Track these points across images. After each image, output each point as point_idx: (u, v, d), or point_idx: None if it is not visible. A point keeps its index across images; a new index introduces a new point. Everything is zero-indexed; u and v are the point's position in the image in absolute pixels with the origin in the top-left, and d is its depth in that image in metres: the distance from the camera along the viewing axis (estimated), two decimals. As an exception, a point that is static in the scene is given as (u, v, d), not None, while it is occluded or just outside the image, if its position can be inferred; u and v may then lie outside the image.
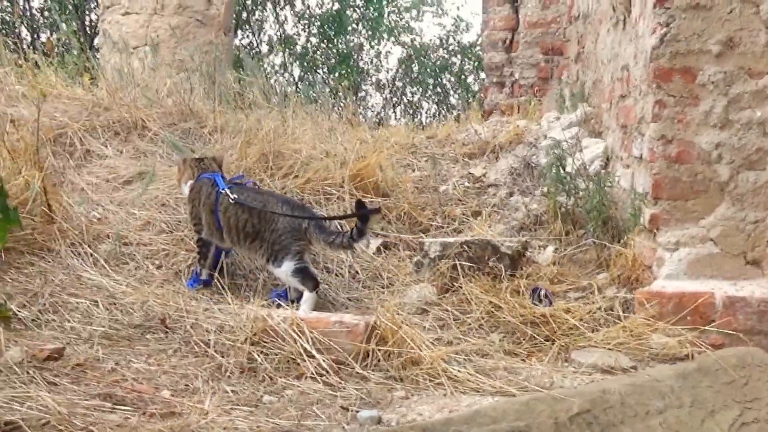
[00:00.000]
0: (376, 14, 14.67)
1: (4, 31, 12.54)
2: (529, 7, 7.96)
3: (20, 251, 4.36)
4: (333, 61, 14.55)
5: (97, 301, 3.88)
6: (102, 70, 7.77)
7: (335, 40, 14.70)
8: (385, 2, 14.93)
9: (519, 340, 3.77)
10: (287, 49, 14.27)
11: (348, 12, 14.68)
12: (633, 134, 4.47)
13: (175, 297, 4.01)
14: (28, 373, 3.00)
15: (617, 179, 4.85)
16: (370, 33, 14.90)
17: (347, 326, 3.36)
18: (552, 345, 3.68)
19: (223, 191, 4.31)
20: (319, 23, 14.76)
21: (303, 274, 4.11)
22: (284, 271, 4.12)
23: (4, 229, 3.02)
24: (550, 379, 3.30)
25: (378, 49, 15.10)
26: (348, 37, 14.79)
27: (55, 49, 9.45)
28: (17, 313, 3.62)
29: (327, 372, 3.20)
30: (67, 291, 3.99)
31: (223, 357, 3.31)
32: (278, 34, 14.65)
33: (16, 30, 12.92)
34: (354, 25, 14.83)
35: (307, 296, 4.07)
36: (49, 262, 4.36)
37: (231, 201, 4.25)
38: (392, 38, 15.06)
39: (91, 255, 4.48)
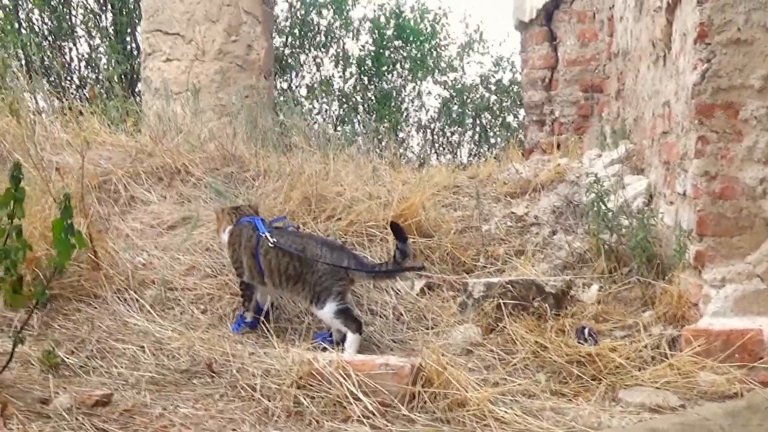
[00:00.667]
0: (417, 54, 14.73)
1: (49, 81, 12.73)
2: (567, 45, 7.98)
3: (67, 298, 4.41)
4: (373, 101, 14.61)
5: (143, 347, 3.91)
6: (145, 116, 7.87)
7: (374, 81, 14.76)
8: (426, 43, 14.99)
9: (565, 380, 3.75)
10: (327, 91, 14.35)
11: (387, 52, 14.74)
12: (676, 171, 4.45)
13: (221, 341, 4.03)
14: (77, 419, 3.02)
15: (661, 216, 4.82)
16: (410, 73, 14.94)
17: (393, 368, 3.35)
18: (599, 384, 3.65)
19: (263, 235, 4.34)
20: (356, 64, 14.85)
21: (345, 315, 4.12)
22: (327, 312, 4.13)
23: (68, 251, 3.06)
24: (597, 419, 3.28)
25: (419, 89, 15.15)
26: (388, 77, 14.85)
27: (98, 97, 9.60)
28: (65, 359, 3.65)
29: (373, 415, 3.19)
30: (113, 337, 4.02)
31: (269, 401, 3.32)
32: (317, 76, 14.75)
33: (62, 78, 13.11)
34: (393, 66, 14.88)
35: (351, 338, 4.07)
36: (96, 308, 4.40)
37: (270, 245, 4.28)
38: (433, 78, 15.10)
39: (137, 300, 4.52)
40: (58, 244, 3.04)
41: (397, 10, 15.01)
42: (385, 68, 14.89)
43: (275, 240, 4.29)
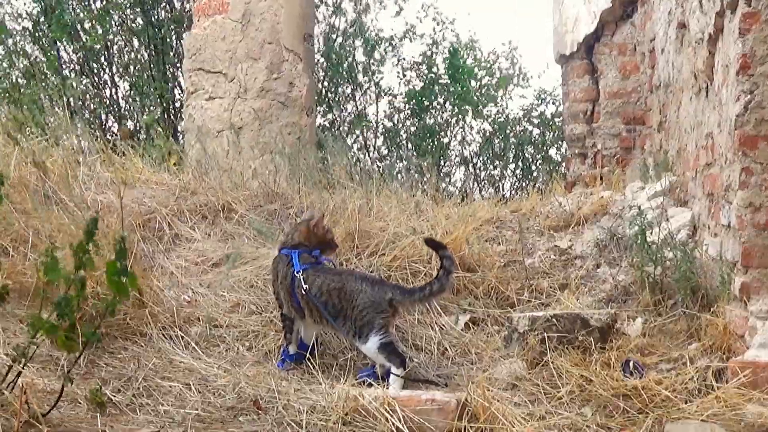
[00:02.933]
0: (461, 89, 14.77)
1: (90, 120, 12.92)
2: (609, 78, 7.97)
3: (114, 336, 4.45)
4: (415, 137, 14.65)
5: (189, 384, 3.93)
6: (187, 154, 7.95)
7: (421, 116, 14.82)
8: (470, 79, 15.03)
9: (611, 414, 3.72)
10: (367, 126, 14.43)
11: (434, 87, 14.81)
12: (720, 202, 4.43)
13: (267, 378, 4.04)
14: (125, 456, 3.06)
15: (705, 248, 4.80)
16: (455, 109, 14.98)
17: (438, 404, 3.35)
18: (645, 418, 3.62)
19: (297, 274, 4.37)
20: (403, 101, 14.94)
21: (389, 350, 4.13)
22: (371, 347, 4.14)
23: (123, 292, 3.10)
24: (644, 454, 3.26)
25: (463, 125, 15.20)
26: (432, 112, 14.91)
27: (135, 136, 9.71)
28: (112, 397, 3.67)
29: (419, 450, 3.19)
30: (159, 375, 4.04)
31: (315, 437, 3.33)
32: (359, 112, 14.83)
33: (103, 118, 13.32)
34: (439, 101, 14.94)
35: (395, 372, 4.07)
36: (142, 346, 4.44)
37: (303, 291, 4.31)
38: (475, 112, 15.13)
39: (183, 338, 4.55)
40: (112, 285, 3.08)
41: (452, 49, 15.09)
42: (429, 104, 14.96)
43: (306, 287, 4.30)
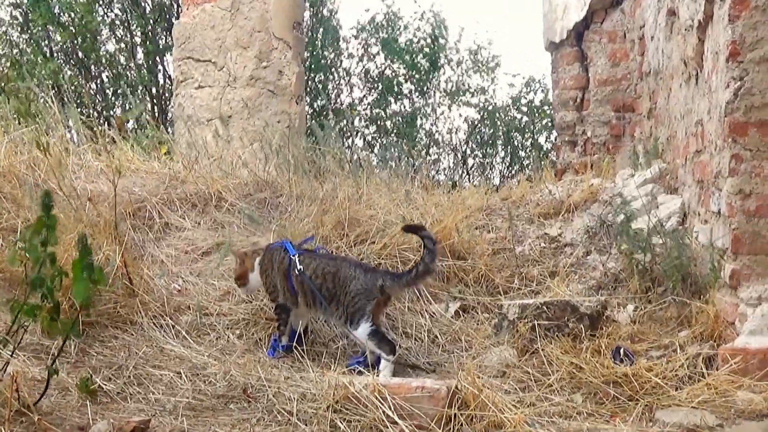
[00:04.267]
0: (445, 76, 14.83)
1: (81, 109, 12.89)
2: (599, 65, 7.96)
3: (104, 325, 4.45)
4: (403, 124, 14.64)
5: (180, 373, 3.93)
6: (177, 143, 7.93)
7: (405, 104, 14.84)
8: (454, 66, 15.08)
9: (602, 401, 3.73)
10: (355, 115, 14.42)
11: (419, 76, 14.82)
12: (710, 189, 4.44)
13: (257, 366, 4.04)
14: (116, 445, 3.05)
15: (695, 235, 4.80)
16: (441, 97, 15.02)
17: (429, 391, 3.35)
18: (635, 405, 3.63)
19: (293, 257, 4.39)
20: (386, 88, 14.92)
21: (378, 336, 4.15)
22: (361, 333, 4.16)
23: (87, 287, 3.08)
24: (635, 440, 3.26)
25: (447, 111, 15.21)
26: (416, 99, 14.93)
27: (127, 124, 9.69)
28: (103, 386, 3.67)
29: (410, 438, 3.19)
30: (150, 363, 4.04)
31: (306, 425, 3.32)
32: (347, 100, 14.84)
33: (93, 107, 13.26)
34: (424, 89, 14.96)
35: (385, 360, 4.09)
36: (132, 334, 4.44)
37: (297, 272, 4.34)
38: (462, 100, 15.15)
39: (173, 326, 4.55)
40: (77, 282, 3.06)
41: (432, 36, 15.07)
42: (413, 91, 14.95)
43: (301, 268, 4.34)
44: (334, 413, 3.34)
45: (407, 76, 14.92)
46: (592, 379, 3.87)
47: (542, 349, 4.23)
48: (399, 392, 3.36)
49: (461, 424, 3.30)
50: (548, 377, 3.97)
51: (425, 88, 15.16)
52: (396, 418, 3.25)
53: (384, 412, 3.27)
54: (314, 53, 14.24)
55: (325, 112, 14.39)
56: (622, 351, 4.13)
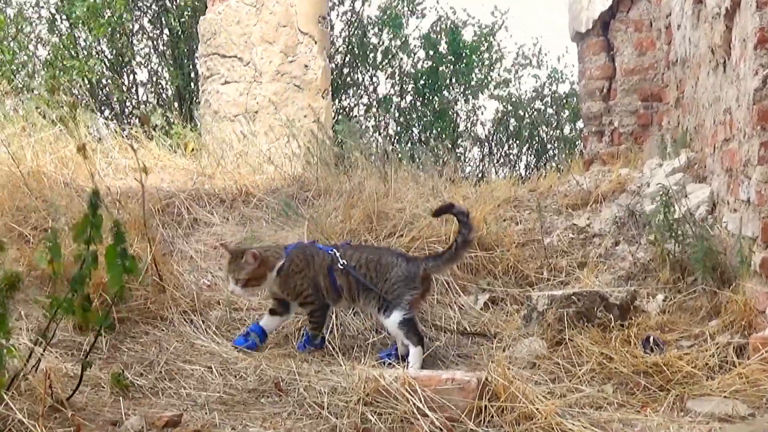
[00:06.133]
0: (468, 68, 14.73)
1: (111, 107, 12.96)
2: (625, 55, 7.93)
3: (135, 321, 4.48)
4: (429, 117, 14.62)
5: (211, 367, 3.95)
6: (204, 139, 7.97)
7: (431, 98, 14.76)
8: (474, 58, 14.98)
9: (632, 391, 3.72)
10: (384, 109, 14.39)
11: (442, 68, 14.75)
12: (739, 178, 4.41)
13: (287, 360, 4.06)
14: (148, 440, 3.07)
15: (725, 224, 4.77)
16: (464, 88, 14.93)
17: (459, 383, 3.35)
18: (666, 395, 3.61)
19: (331, 253, 4.39)
20: (412, 82, 14.89)
21: (409, 326, 4.16)
22: (393, 321, 4.19)
23: (122, 275, 3.11)
24: (666, 430, 3.25)
25: (474, 104, 15.15)
26: (443, 93, 14.85)
27: (153, 121, 9.76)
28: (135, 381, 3.69)
29: (441, 430, 3.19)
30: (181, 358, 4.06)
31: (337, 418, 3.33)
32: (374, 94, 14.81)
33: (122, 104, 13.34)
34: (449, 82, 14.89)
35: (414, 351, 4.11)
36: (163, 330, 4.47)
37: (340, 266, 4.34)
38: (489, 93, 15.09)
39: (203, 322, 4.58)
40: (111, 269, 3.09)
41: (452, 27, 15.03)
42: (439, 84, 14.90)
43: (344, 262, 4.34)
44: (365, 406, 3.34)
45: (430, 69, 14.88)
46: (622, 369, 3.86)
47: (572, 340, 4.22)
48: (429, 384, 3.37)
49: (492, 416, 3.30)
50: (578, 368, 3.96)
51: (453, 81, 15.11)
52: (426, 411, 3.25)
53: (414, 404, 3.28)
54: (348, 47, 14.26)
55: (355, 107, 14.42)
56: (652, 341, 4.11)
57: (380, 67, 14.72)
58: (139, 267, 4.61)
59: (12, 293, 2.76)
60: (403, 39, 14.80)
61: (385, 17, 14.69)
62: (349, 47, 14.34)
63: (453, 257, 4.36)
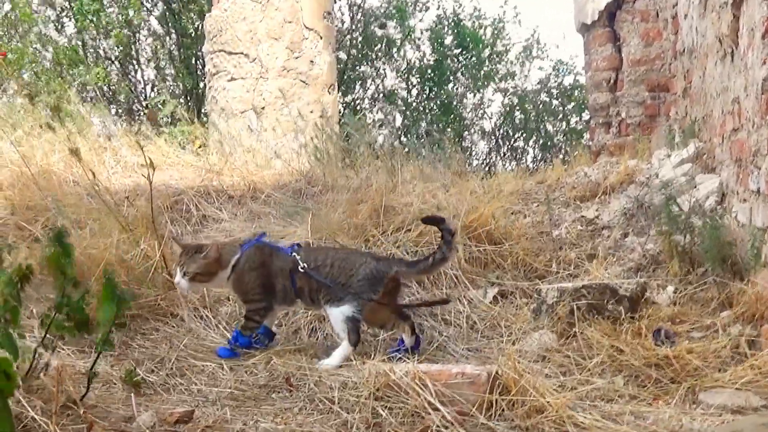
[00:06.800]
0: (474, 60, 14.74)
1: (118, 104, 12.98)
2: (631, 45, 7.91)
3: (145, 318, 4.49)
4: (435, 111, 14.63)
5: (221, 364, 3.96)
6: (211, 136, 7.99)
7: (436, 91, 14.78)
8: (482, 49, 14.99)
9: (644, 383, 3.71)
10: (391, 101, 14.41)
11: (447, 61, 14.77)
12: (748, 168, 4.39)
13: (297, 356, 4.06)
14: (160, 437, 3.08)
15: (734, 214, 4.76)
16: (470, 81, 14.95)
17: (469, 377, 3.35)
18: (678, 387, 3.60)
19: (291, 255, 4.23)
20: (418, 75, 14.90)
21: (355, 324, 4.05)
22: (341, 312, 4.06)
23: (110, 317, 3.11)
24: (678, 422, 3.23)
25: (480, 97, 15.15)
26: (449, 86, 14.87)
27: (161, 119, 9.78)
28: (146, 378, 3.70)
29: (452, 424, 3.18)
30: (192, 354, 4.07)
31: (348, 413, 3.33)
32: (380, 88, 14.81)
33: (130, 102, 13.37)
34: (454, 75, 14.91)
35: (344, 347, 4.02)
36: (174, 326, 4.48)
37: (300, 270, 4.16)
38: (492, 85, 15.11)
39: (214, 318, 4.58)
40: (102, 309, 3.09)
41: (455, 19, 15.03)
42: (445, 77, 14.90)
43: (304, 266, 4.16)
44: (376, 401, 3.35)
45: (436, 62, 14.88)
46: (633, 361, 3.84)
47: (582, 333, 4.21)
48: (440, 378, 3.37)
49: (502, 410, 3.30)
50: (589, 361, 3.95)
51: (456, 75, 15.11)
52: (437, 405, 3.25)
53: (425, 398, 3.28)
54: (354, 42, 14.27)
55: (360, 101, 14.42)
56: (662, 332, 4.10)
57: (385, 60, 14.71)
58: (148, 264, 4.64)
59: (23, 286, 2.76)
60: (409, 31, 14.81)
61: (390, 9, 14.70)
62: (354, 41, 14.35)
63: (427, 269, 4.26)
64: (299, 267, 4.16)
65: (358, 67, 14.61)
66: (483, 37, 15.23)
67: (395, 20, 14.68)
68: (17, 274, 2.63)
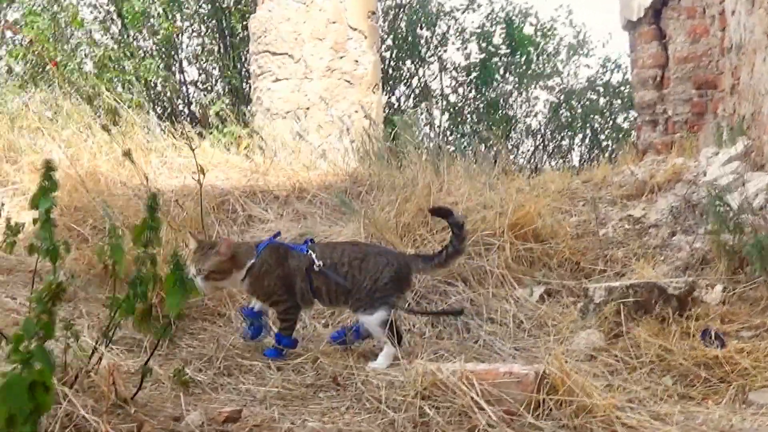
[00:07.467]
0: (523, 59, 14.71)
1: (163, 106, 13.08)
2: (678, 42, 7.85)
3: (193, 317, 4.52)
4: (481, 110, 14.60)
5: (269, 363, 3.97)
6: (256, 136, 8.04)
7: (482, 90, 14.75)
8: (532, 48, 14.95)
9: (692, 383, 3.68)
10: (434, 102, 14.40)
11: (495, 60, 14.75)
12: (798, 165, 4.35)
13: (344, 355, 4.07)
14: (209, 436, 3.10)
15: (784, 212, 4.72)
16: (517, 80, 14.91)
17: (517, 377, 3.34)
18: (728, 387, 3.57)
19: (307, 254, 4.15)
20: (465, 74, 14.89)
21: (391, 326, 3.99)
22: (376, 319, 4.01)
23: (181, 301, 3.13)
24: (728, 423, 3.21)
25: (527, 95, 15.12)
26: (496, 85, 14.84)
27: (214, 110, 9.86)
28: (194, 377, 3.73)
29: (499, 423, 3.18)
30: (239, 354, 4.09)
31: (395, 412, 3.33)
32: (425, 88, 14.80)
33: (174, 103, 13.46)
34: (501, 73, 14.88)
35: (388, 351, 3.99)
36: (221, 326, 4.51)
37: (316, 269, 4.09)
38: (543, 83, 15.06)
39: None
40: (171, 295, 3.10)
41: (507, 19, 14.99)
42: (492, 76, 14.87)
43: (320, 264, 4.09)
44: (423, 400, 3.34)
45: (483, 61, 14.86)
46: (681, 361, 3.82)
47: (630, 332, 4.19)
48: (486, 378, 3.36)
49: (550, 409, 3.29)
50: (637, 360, 3.93)
51: (506, 73, 15.09)
52: (484, 404, 3.24)
53: (472, 398, 3.27)
54: (401, 40, 14.28)
55: (405, 101, 14.42)
56: (712, 333, 4.07)
57: (430, 60, 14.72)
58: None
59: (55, 303, 2.77)
60: (460, 30, 14.82)
61: (437, 7, 14.73)
62: (398, 40, 14.36)
63: (442, 263, 4.20)
64: (314, 266, 4.09)
65: (402, 66, 14.60)
66: (534, 38, 15.18)
67: (441, 19, 14.67)
68: (47, 291, 2.65)
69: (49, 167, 2.90)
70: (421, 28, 14.65)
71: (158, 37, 12.81)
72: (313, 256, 4.11)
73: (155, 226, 3.03)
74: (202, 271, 4.05)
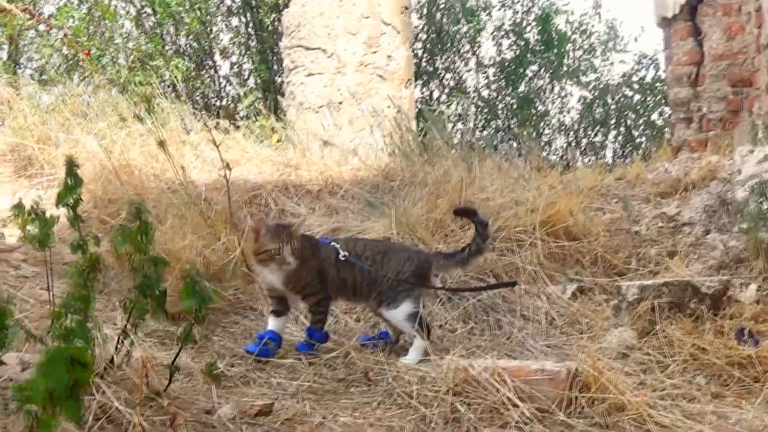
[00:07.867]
0: (555, 55, 14.64)
1: (195, 100, 13.13)
2: (713, 40, 7.80)
3: (225, 311, 4.54)
4: (514, 106, 14.56)
5: (300, 357, 3.97)
6: (289, 130, 8.05)
7: (515, 85, 14.70)
8: (569, 45, 14.90)
9: (726, 383, 3.66)
10: (467, 97, 14.36)
11: (528, 55, 14.70)
12: (835, 164, 4.30)
13: (375, 350, 4.07)
14: (241, 429, 3.09)
15: (820, 211, 4.67)
16: (550, 76, 14.85)
17: (549, 374, 3.33)
18: (762, 387, 3.55)
19: (331, 245, 4.14)
20: (498, 69, 14.86)
21: (418, 319, 3.98)
22: (401, 312, 4.00)
23: (193, 308, 3.13)
24: (762, 422, 3.19)
25: (560, 91, 15.06)
26: (528, 80, 14.80)
27: (245, 103, 9.89)
28: (226, 371, 3.74)
29: (531, 420, 3.17)
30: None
31: (426, 408, 3.33)
32: (456, 83, 14.78)
33: (207, 96, 13.53)
34: (534, 69, 14.83)
35: (419, 344, 3.98)
36: (253, 320, 4.52)
37: (342, 258, 4.05)
38: (576, 79, 14.98)
39: (292, 312, 4.61)
40: (185, 301, 3.11)
41: (542, 15, 14.94)
42: (524, 72, 14.82)
43: (345, 254, 4.06)
44: (454, 396, 3.34)
45: (516, 57, 14.82)
46: (715, 360, 3.79)
47: (663, 331, 4.16)
48: (519, 375, 3.35)
49: (582, 407, 3.28)
50: (670, 359, 3.91)
51: (540, 69, 15.04)
52: (516, 401, 3.24)
53: (504, 394, 3.27)
54: (435, 35, 14.27)
55: (438, 96, 14.40)
56: (746, 332, 4.04)
57: (463, 54, 14.69)
58: (228, 259, 4.69)
59: (94, 275, 2.78)
60: (499, 26, 14.80)
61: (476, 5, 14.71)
62: (431, 35, 14.34)
63: (463, 261, 4.18)
64: (340, 255, 4.06)
65: (435, 61, 14.58)
66: (568, 34, 15.12)
67: (474, 15, 14.63)
68: (85, 263, 2.66)
69: (71, 164, 2.91)
70: (458, 23, 14.60)
71: (187, 28, 12.86)
72: (338, 246, 4.10)
73: (148, 231, 3.04)
74: (296, 251, 3.99)
